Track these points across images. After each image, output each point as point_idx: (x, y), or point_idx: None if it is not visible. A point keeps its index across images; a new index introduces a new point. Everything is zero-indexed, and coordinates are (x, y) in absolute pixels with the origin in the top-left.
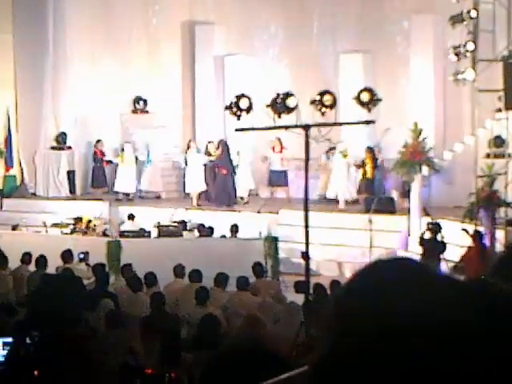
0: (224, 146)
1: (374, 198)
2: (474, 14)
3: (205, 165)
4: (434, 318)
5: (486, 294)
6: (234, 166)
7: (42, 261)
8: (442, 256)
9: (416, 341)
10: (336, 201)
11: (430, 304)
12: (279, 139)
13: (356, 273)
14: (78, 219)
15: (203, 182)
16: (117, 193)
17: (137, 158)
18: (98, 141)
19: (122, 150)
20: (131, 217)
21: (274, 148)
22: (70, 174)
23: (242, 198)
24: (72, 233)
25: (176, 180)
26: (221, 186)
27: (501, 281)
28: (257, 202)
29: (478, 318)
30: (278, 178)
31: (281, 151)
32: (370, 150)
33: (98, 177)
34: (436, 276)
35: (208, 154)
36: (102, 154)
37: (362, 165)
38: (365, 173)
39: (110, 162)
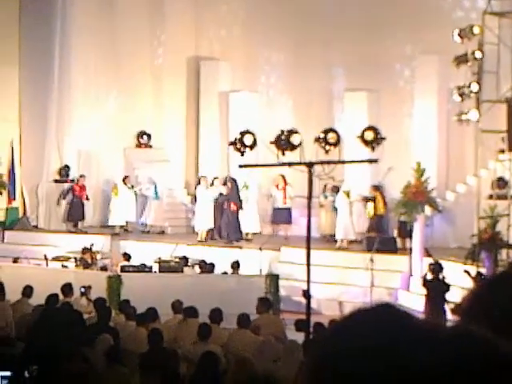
0: (232, 181)
1: (376, 237)
2: (478, 54)
3: (216, 200)
4: (406, 368)
5: (459, 346)
6: (241, 201)
7: (52, 299)
8: (446, 296)
9: None
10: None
11: (404, 354)
12: (283, 176)
13: (335, 322)
14: (87, 249)
15: (212, 219)
16: (113, 226)
17: (135, 192)
18: (82, 175)
19: (116, 184)
20: (127, 256)
21: (277, 185)
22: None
23: (246, 234)
24: (77, 265)
25: (181, 215)
26: (231, 222)
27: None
28: (259, 239)
29: (446, 372)
30: (280, 216)
31: (284, 188)
32: (377, 187)
33: (75, 211)
34: (414, 324)
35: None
36: (82, 189)
37: (374, 201)
38: (375, 209)
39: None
